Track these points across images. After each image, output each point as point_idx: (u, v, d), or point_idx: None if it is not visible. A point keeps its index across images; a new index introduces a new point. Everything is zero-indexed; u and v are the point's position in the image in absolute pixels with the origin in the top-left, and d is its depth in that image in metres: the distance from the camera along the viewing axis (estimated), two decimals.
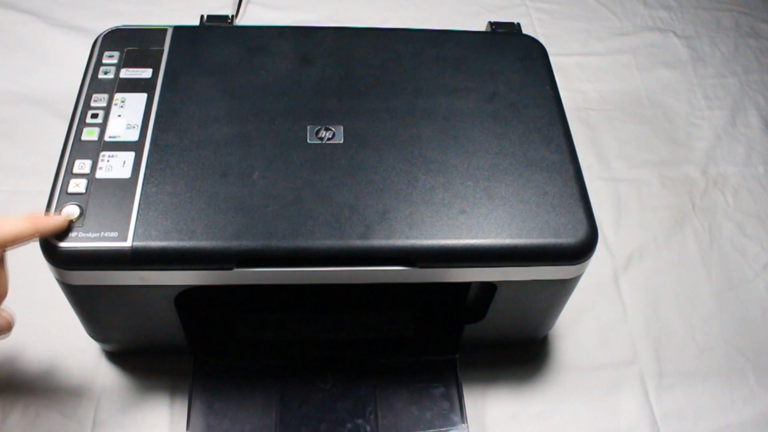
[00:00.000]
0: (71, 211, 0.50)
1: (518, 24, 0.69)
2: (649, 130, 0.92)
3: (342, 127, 0.57)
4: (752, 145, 0.92)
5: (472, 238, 0.52)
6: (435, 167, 0.55)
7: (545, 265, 0.53)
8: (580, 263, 0.54)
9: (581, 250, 0.53)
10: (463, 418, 0.62)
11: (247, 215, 0.51)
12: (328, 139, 0.56)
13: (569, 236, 0.52)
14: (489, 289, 0.58)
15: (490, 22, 0.69)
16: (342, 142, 0.56)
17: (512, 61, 0.64)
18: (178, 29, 0.63)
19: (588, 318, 0.72)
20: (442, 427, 0.61)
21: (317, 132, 0.56)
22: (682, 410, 0.67)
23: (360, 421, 0.61)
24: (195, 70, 0.60)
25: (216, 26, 0.66)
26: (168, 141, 0.55)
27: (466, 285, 0.61)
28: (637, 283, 0.76)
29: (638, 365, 0.70)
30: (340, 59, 0.62)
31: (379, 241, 0.51)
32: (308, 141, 0.56)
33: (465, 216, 0.52)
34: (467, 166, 0.55)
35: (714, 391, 0.69)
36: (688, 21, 1.07)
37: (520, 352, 0.69)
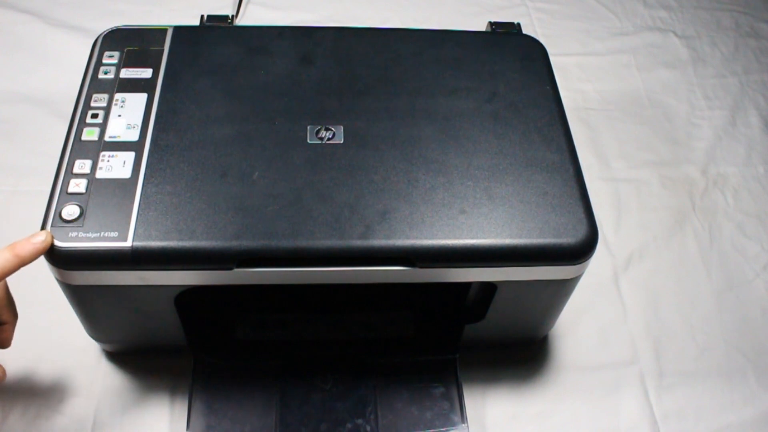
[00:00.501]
0: (71, 211, 0.50)
1: (518, 24, 0.69)
2: (649, 130, 0.92)
3: (342, 127, 0.57)
4: (752, 145, 0.92)
5: (473, 238, 0.52)
6: (435, 167, 0.55)
7: (545, 265, 0.53)
8: (580, 263, 0.54)
9: (581, 250, 0.53)
10: (463, 418, 0.62)
11: (247, 215, 0.51)
12: (328, 139, 0.56)
13: (569, 236, 0.52)
14: (489, 289, 0.58)
15: (490, 22, 0.69)
16: (342, 142, 0.56)
17: (512, 61, 0.64)
18: (178, 29, 0.63)
19: (588, 318, 0.72)
20: (442, 427, 0.61)
21: (317, 132, 0.56)
22: (682, 410, 0.67)
23: (360, 421, 0.61)
24: (195, 70, 0.60)
25: (216, 26, 0.66)
26: (168, 141, 0.55)
27: (466, 285, 0.61)
28: (637, 283, 0.76)
29: (638, 365, 0.70)
30: (340, 59, 0.62)
31: (379, 241, 0.51)
32: (308, 141, 0.56)
33: (465, 216, 0.53)
34: (467, 166, 0.55)
35: (714, 391, 0.69)
36: (688, 21, 1.07)
37: (520, 352, 0.69)
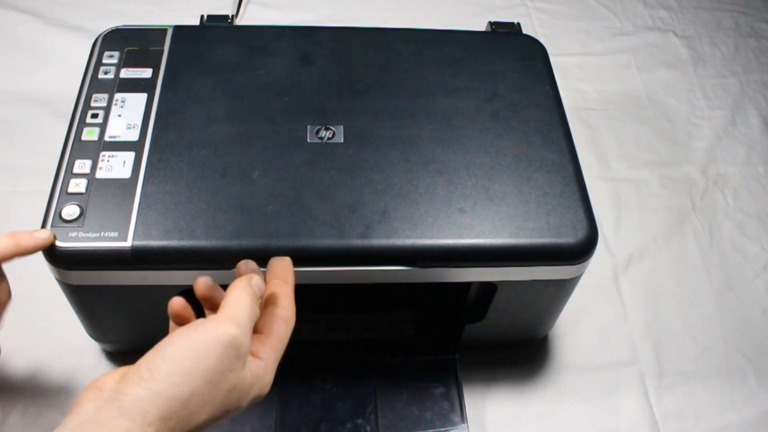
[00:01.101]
0: (71, 211, 0.50)
1: (518, 24, 0.69)
2: (649, 130, 0.92)
3: (342, 127, 0.57)
4: (752, 145, 0.92)
5: (473, 237, 0.52)
6: (435, 167, 0.55)
7: (545, 265, 0.53)
8: (580, 263, 0.54)
9: (581, 250, 0.53)
10: (463, 418, 0.62)
11: (247, 215, 0.51)
12: (328, 138, 0.56)
13: (569, 236, 0.52)
14: (489, 289, 0.58)
15: (490, 22, 0.69)
16: (342, 141, 0.56)
17: (512, 61, 0.64)
18: (178, 29, 0.63)
19: (588, 318, 0.72)
20: (442, 427, 0.61)
21: (317, 131, 0.56)
22: (682, 410, 0.67)
23: (360, 421, 0.61)
24: (195, 70, 0.60)
25: (216, 26, 0.66)
26: (168, 140, 0.55)
27: (466, 285, 0.60)
28: (637, 283, 0.76)
29: (638, 365, 0.70)
30: (340, 59, 0.62)
31: (379, 241, 0.51)
32: (308, 140, 0.56)
33: (465, 216, 0.53)
34: (467, 166, 0.55)
35: (714, 391, 0.69)
36: (688, 21, 1.07)
37: (520, 352, 0.69)
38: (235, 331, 0.39)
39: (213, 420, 0.38)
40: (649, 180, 0.86)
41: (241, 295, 0.41)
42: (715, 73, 1.00)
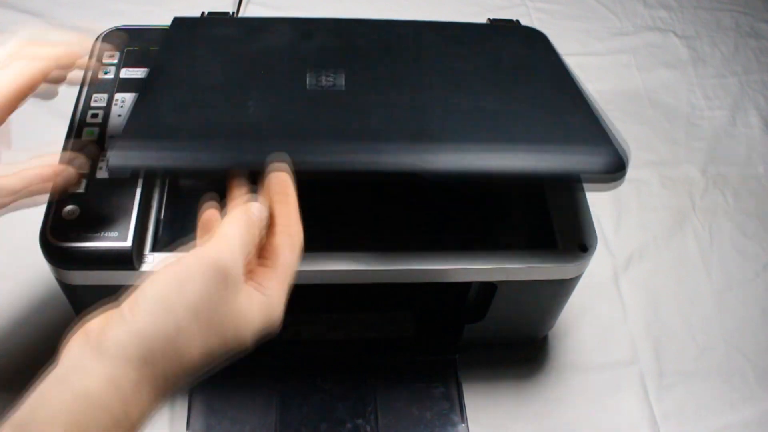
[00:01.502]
0: (71, 211, 0.50)
1: (518, 21, 0.69)
2: (649, 130, 0.92)
3: (343, 76, 0.53)
4: (752, 145, 0.92)
5: (496, 151, 0.48)
6: (446, 106, 0.52)
7: (579, 181, 0.51)
8: (613, 183, 0.51)
9: (615, 169, 0.50)
10: (463, 418, 0.62)
11: (240, 135, 0.47)
12: (329, 86, 0.52)
13: (600, 155, 0.50)
14: (489, 289, 0.58)
15: (489, 19, 0.69)
16: (344, 89, 0.52)
17: (516, 43, 0.62)
18: (176, 20, 0.62)
19: (588, 318, 0.72)
20: (442, 427, 0.61)
21: (317, 79, 0.52)
22: (682, 410, 0.67)
23: (360, 421, 0.61)
24: (192, 44, 0.57)
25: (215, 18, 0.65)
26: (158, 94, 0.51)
27: (466, 285, 0.60)
28: (637, 283, 0.76)
29: (638, 365, 0.70)
30: (340, 34, 0.59)
31: (386, 155, 0.47)
32: (308, 87, 0.52)
33: (484, 131, 0.49)
34: (481, 108, 0.52)
35: (714, 391, 0.69)
36: (688, 21, 1.07)
37: (520, 352, 0.69)
38: (219, 255, 0.35)
39: (211, 358, 0.35)
40: (649, 180, 0.86)
41: (231, 221, 0.37)
42: (715, 73, 1.00)
